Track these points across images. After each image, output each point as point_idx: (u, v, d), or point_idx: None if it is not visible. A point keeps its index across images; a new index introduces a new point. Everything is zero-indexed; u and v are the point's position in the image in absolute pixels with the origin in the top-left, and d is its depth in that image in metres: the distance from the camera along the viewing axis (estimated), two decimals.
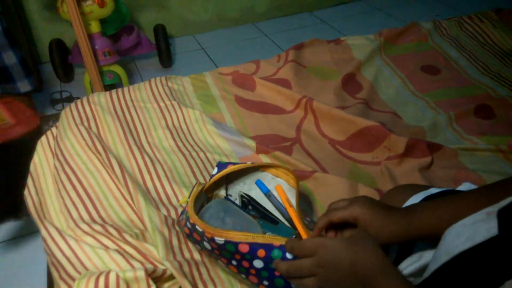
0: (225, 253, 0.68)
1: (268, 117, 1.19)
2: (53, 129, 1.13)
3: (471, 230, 0.55)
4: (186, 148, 1.05)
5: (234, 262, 0.69)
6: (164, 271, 0.74)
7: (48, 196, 0.95)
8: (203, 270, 0.76)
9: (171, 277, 0.75)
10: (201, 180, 0.95)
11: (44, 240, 0.83)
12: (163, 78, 1.30)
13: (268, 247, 0.65)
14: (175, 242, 0.80)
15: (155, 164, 0.98)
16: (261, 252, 0.66)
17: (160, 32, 2.35)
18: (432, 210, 0.62)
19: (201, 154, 1.03)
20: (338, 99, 1.26)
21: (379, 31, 1.59)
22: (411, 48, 1.53)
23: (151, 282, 0.71)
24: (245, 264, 0.68)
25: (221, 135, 1.08)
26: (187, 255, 0.79)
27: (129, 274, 0.70)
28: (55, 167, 0.99)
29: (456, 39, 1.57)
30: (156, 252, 0.78)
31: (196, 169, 0.99)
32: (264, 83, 1.29)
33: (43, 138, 1.11)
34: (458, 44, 1.55)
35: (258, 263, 0.67)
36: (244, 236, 0.66)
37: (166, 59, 2.40)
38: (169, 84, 1.28)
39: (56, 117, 1.25)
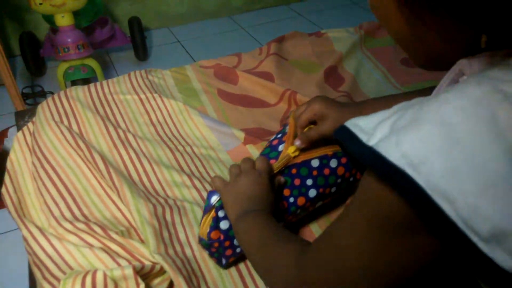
0: None
1: (252, 110, 1.18)
2: (29, 124, 1.09)
3: None
4: (172, 142, 1.03)
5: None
6: (152, 266, 0.72)
7: (27, 194, 0.92)
8: (194, 266, 0.75)
9: (160, 273, 0.74)
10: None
11: (25, 240, 0.80)
12: (142, 71, 1.26)
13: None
14: (165, 233, 0.79)
15: (141, 158, 0.96)
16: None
17: (135, 24, 2.30)
18: (379, 102, 0.76)
19: (188, 148, 1.01)
20: (321, 92, 1.26)
21: (360, 24, 1.59)
22: (390, 41, 1.54)
23: (139, 280, 0.69)
24: None
25: (208, 125, 1.07)
26: (178, 248, 0.77)
27: (117, 273, 0.68)
28: (33, 164, 0.95)
29: None
30: (144, 247, 0.76)
31: (183, 164, 0.97)
32: (247, 76, 1.28)
33: (19, 134, 1.06)
34: None
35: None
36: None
37: (141, 52, 2.36)
38: (149, 77, 1.25)
39: (31, 112, 1.20)
